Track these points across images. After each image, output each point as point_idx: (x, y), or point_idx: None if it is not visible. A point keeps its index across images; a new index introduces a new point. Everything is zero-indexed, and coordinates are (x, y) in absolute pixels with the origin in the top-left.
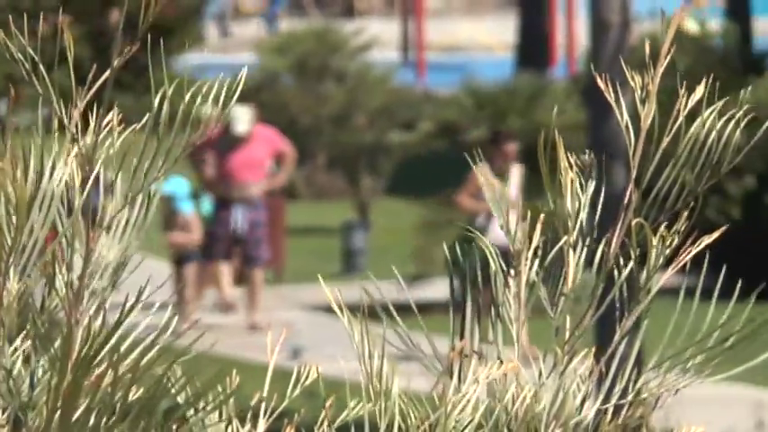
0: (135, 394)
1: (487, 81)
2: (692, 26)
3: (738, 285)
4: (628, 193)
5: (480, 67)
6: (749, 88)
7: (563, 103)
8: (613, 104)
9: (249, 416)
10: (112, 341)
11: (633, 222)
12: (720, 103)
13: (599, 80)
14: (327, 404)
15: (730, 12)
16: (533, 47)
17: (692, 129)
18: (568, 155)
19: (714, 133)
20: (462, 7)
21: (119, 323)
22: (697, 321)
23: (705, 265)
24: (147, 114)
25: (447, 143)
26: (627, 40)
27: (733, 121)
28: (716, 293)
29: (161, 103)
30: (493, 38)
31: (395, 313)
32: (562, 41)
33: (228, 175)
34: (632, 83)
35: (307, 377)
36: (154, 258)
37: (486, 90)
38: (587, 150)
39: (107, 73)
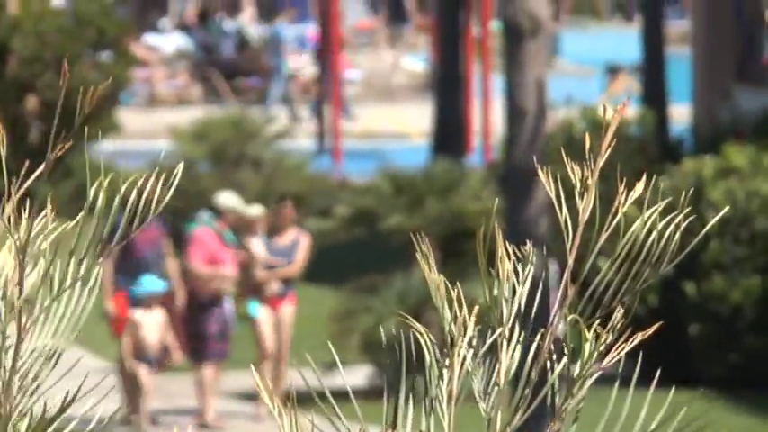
0: None
1: (405, 167)
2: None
3: (658, 373)
4: (562, 287)
5: (397, 154)
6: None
7: (480, 190)
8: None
9: None
10: None
11: (569, 318)
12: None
13: (515, 168)
14: None
15: (647, 99)
16: (450, 134)
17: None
18: (505, 244)
19: (654, 233)
20: (378, 94)
21: (53, 419)
22: (616, 410)
23: (623, 355)
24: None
25: (364, 230)
26: (543, 127)
27: (674, 224)
28: (633, 382)
29: (90, 192)
30: (409, 125)
31: (319, 401)
32: (478, 129)
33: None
34: (572, 176)
35: None
36: (93, 354)
37: (403, 176)
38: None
39: (41, 168)
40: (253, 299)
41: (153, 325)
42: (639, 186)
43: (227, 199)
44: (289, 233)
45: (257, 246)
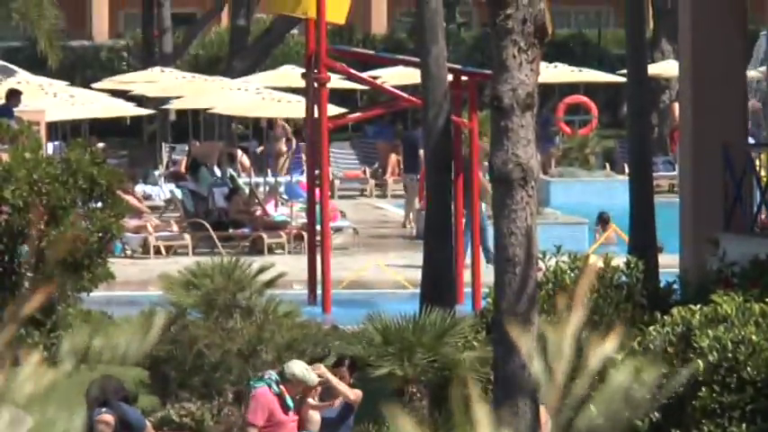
0: None
1: (395, 316)
2: (597, 262)
3: None
4: None
5: (387, 302)
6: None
7: (470, 338)
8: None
9: None
10: None
11: None
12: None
13: (505, 318)
14: None
15: (635, 247)
16: (440, 282)
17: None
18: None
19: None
20: (369, 243)
21: None
22: None
23: None
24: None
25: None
26: (532, 276)
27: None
28: None
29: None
30: (399, 274)
31: None
32: (468, 278)
33: None
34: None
35: None
36: None
37: (393, 325)
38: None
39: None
40: None
41: None
42: (627, 334)
43: (298, 368)
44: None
45: (314, 415)
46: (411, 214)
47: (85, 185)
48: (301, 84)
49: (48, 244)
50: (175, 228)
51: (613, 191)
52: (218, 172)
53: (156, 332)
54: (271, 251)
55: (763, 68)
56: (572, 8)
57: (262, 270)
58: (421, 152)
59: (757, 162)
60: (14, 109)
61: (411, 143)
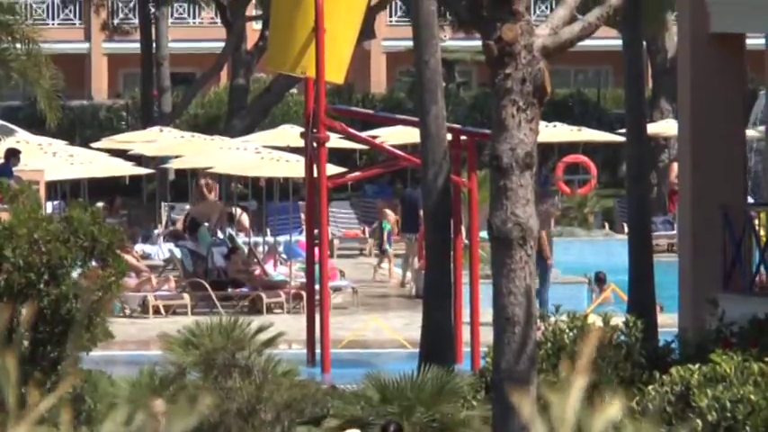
0: None
1: (394, 375)
2: (596, 321)
3: None
4: None
5: (387, 362)
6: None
7: (470, 397)
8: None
9: None
10: None
11: None
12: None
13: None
14: None
15: (634, 306)
16: (439, 342)
17: None
18: None
19: None
20: (368, 303)
21: None
22: None
23: None
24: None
25: None
26: (531, 335)
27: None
28: None
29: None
30: (398, 334)
31: None
32: (467, 337)
33: None
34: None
35: None
36: None
37: (392, 384)
38: None
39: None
40: None
41: None
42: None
43: None
44: None
45: None
46: (409, 273)
47: (86, 244)
48: (301, 143)
49: (48, 303)
50: (175, 287)
51: (612, 250)
52: (219, 234)
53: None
54: (270, 311)
55: (762, 128)
56: (571, 67)
57: (261, 329)
58: (420, 211)
59: (756, 221)
60: (14, 168)
61: (410, 202)
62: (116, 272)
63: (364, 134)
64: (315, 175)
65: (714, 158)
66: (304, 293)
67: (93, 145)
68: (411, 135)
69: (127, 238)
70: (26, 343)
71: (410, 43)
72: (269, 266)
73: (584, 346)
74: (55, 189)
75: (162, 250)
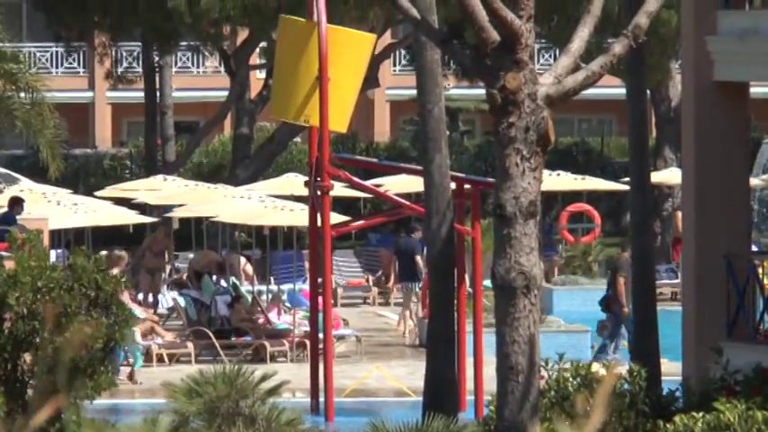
0: None
1: (397, 424)
2: (600, 371)
3: None
4: None
5: (390, 411)
6: None
7: None
8: None
9: None
10: None
11: None
12: None
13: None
14: None
15: (638, 355)
16: (443, 390)
17: None
18: None
19: None
20: (372, 352)
21: None
22: None
23: None
24: None
25: None
26: (535, 384)
27: None
28: None
29: None
30: (402, 382)
31: None
32: (470, 386)
33: None
34: None
35: None
36: None
37: None
38: None
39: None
40: None
41: None
42: None
43: None
44: None
45: None
46: (410, 322)
47: (90, 292)
48: (305, 191)
49: (52, 351)
50: (178, 336)
51: None
52: (223, 283)
53: None
54: (273, 359)
55: (766, 176)
56: (575, 116)
57: (264, 378)
58: (418, 258)
59: (760, 270)
60: (17, 216)
61: (406, 251)
62: (120, 320)
63: (368, 183)
64: (318, 223)
65: (717, 207)
66: (307, 342)
67: (96, 193)
68: (415, 184)
69: (131, 286)
70: (30, 392)
71: (414, 92)
72: (273, 315)
73: (597, 397)
74: (58, 237)
75: (166, 299)
